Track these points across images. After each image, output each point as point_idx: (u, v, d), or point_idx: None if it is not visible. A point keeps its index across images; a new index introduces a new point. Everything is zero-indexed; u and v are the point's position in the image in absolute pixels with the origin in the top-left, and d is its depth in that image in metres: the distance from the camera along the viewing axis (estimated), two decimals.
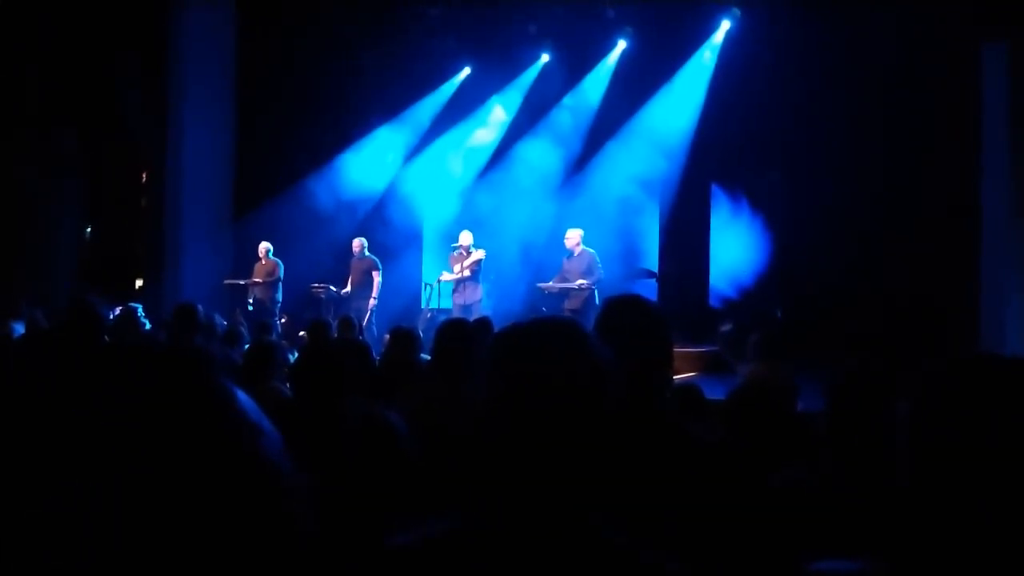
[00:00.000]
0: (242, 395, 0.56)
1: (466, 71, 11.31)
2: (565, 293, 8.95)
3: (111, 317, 4.94)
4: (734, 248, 9.84)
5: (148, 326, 6.07)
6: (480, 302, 9.29)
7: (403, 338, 4.80)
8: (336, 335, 5.68)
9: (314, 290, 9.90)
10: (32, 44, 9.59)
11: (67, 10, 9.56)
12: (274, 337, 6.42)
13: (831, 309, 8.74)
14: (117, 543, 0.49)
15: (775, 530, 1.77)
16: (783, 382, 4.40)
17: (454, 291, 9.44)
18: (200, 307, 4.88)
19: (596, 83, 10.85)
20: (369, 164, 11.10)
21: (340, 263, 10.03)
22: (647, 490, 1.69)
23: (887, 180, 8.94)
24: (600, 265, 8.86)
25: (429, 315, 9.87)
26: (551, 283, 9.15)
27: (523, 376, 1.07)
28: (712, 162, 9.87)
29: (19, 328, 6.58)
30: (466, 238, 9.43)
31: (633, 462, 1.77)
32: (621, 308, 1.81)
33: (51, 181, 9.90)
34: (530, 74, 11.13)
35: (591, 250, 8.94)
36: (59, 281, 9.83)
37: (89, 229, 10.73)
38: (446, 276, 9.45)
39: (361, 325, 7.41)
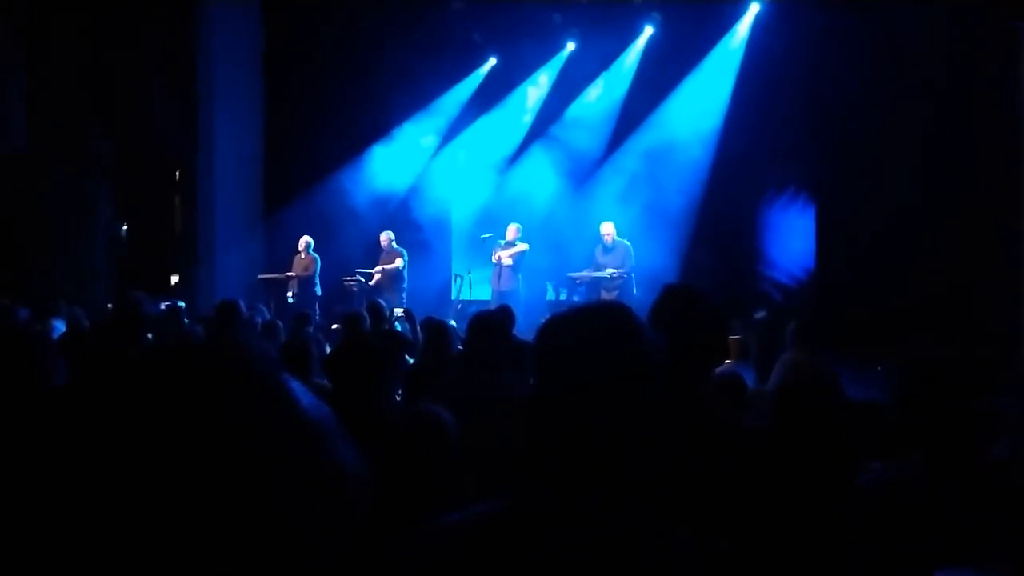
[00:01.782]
0: (299, 388, 0.55)
1: (492, 62, 11.28)
2: (598, 283, 9.00)
3: (155, 314, 5.01)
4: (771, 236, 9.70)
5: (186, 322, 6.17)
6: (517, 292, 9.35)
7: (436, 330, 4.81)
8: (368, 325, 5.70)
9: (346, 283, 9.98)
10: (65, 47, 9.75)
11: (97, 12, 9.70)
12: (311, 330, 6.47)
13: (871, 299, 8.58)
14: (177, 538, 0.48)
15: (861, 527, 1.74)
16: (822, 369, 4.33)
17: (493, 278, 9.51)
18: (242, 302, 4.93)
19: (623, 71, 10.75)
20: (397, 157, 11.15)
21: (370, 257, 10.08)
22: (691, 478, 1.67)
23: (926, 166, 8.74)
24: (633, 256, 8.94)
25: (459, 306, 9.91)
26: (583, 273, 9.20)
27: (571, 362, 1.07)
28: (744, 150, 9.72)
29: (59, 325, 6.71)
30: (512, 231, 9.50)
31: (675, 449, 1.75)
32: (675, 297, 1.79)
33: (86, 182, 10.07)
34: (556, 64, 11.06)
35: (626, 242, 9.04)
36: (95, 280, 10.01)
37: (124, 228, 10.90)
38: (499, 255, 9.43)
39: (391, 316, 7.45)
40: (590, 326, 1.11)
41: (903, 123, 8.81)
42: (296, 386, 0.54)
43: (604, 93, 10.84)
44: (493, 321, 3.31)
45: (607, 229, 9.07)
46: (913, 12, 8.41)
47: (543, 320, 1.27)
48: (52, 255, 9.42)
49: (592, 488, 1.03)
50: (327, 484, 0.52)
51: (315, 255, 9.89)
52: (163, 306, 5.24)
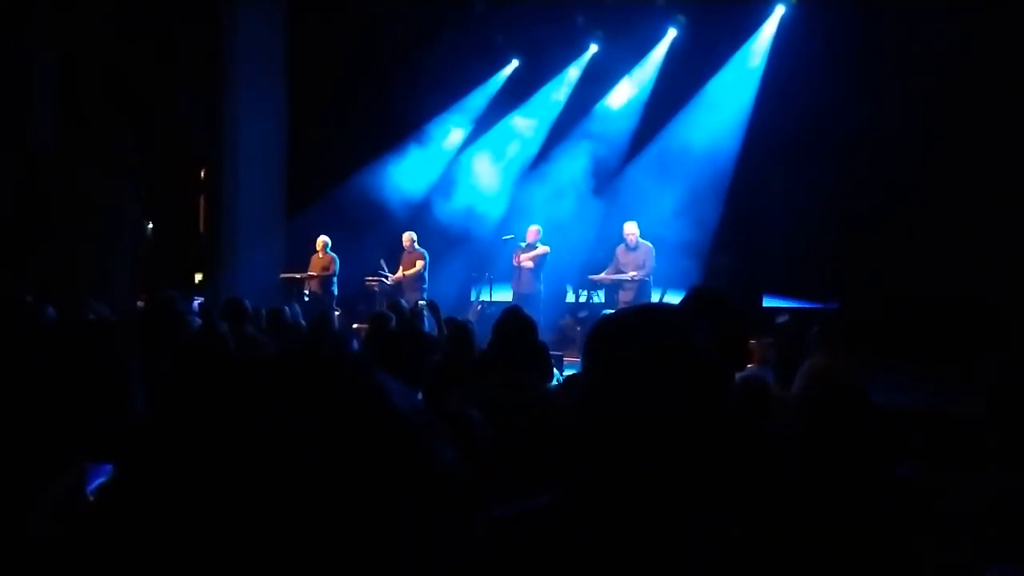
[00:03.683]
0: (397, 388, 0.55)
1: (514, 64, 11.29)
2: (618, 284, 8.97)
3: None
4: (795, 240, 9.61)
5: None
6: (538, 294, 9.36)
7: (459, 330, 4.82)
8: (394, 325, 5.72)
9: (367, 283, 10.02)
10: (91, 48, 9.88)
11: (124, 13, 9.82)
12: (334, 329, 6.51)
13: (890, 309, 8.49)
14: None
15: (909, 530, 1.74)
16: (849, 374, 4.29)
17: (513, 280, 9.52)
18: (247, 302, 4.98)
19: (646, 73, 10.71)
20: (419, 158, 11.19)
21: (391, 257, 10.13)
22: (721, 481, 1.67)
23: (949, 174, 8.63)
24: (654, 258, 8.90)
25: (479, 307, 9.93)
26: (603, 274, 9.18)
27: (622, 363, 1.09)
28: (768, 152, 9.65)
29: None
30: (533, 233, 9.53)
31: (711, 450, 1.74)
32: (700, 299, 1.79)
33: (112, 181, 10.20)
34: (579, 65, 11.05)
35: (648, 243, 8.99)
36: (121, 278, 10.13)
37: (150, 227, 11.03)
38: (520, 257, 9.45)
39: (418, 309, 7.49)
40: (646, 325, 1.14)
41: (931, 126, 8.71)
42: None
43: (627, 95, 10.81)
44: (520, 321, 3.30)
45: (631, 229, 9.03)
46: (941, 16, 8.31)
47: (596, 319, 1.31)
48: (78, 254, 9.55)
49: (647, 484, 1.04)
50: (432, 483, 0.52)
51: (333, 254, 9.95)
52: (196, 304, 5.30)
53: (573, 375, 5.04)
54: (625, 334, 1.11)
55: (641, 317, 1.16)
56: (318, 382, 0.53)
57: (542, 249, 9.49)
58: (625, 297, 8.78)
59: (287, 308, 5.56)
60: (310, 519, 0.48)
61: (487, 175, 11.29)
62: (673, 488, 1.04)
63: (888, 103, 8.93)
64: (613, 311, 1.18)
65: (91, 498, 1.24)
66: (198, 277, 11.17)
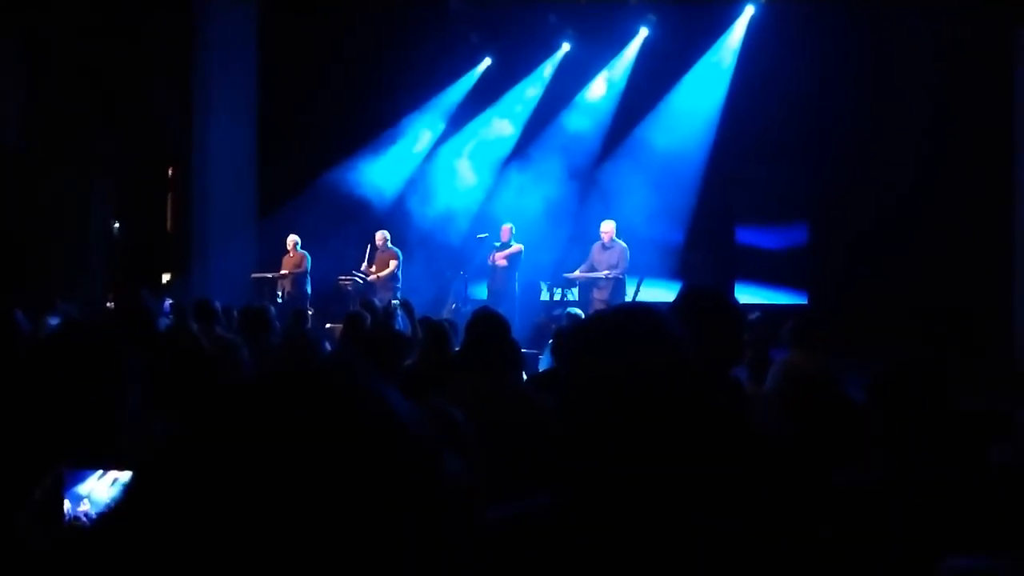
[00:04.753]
0: (399, 401, 0.54)
1: (487, 62, 11.28)
2: (593, 282, 9.00)
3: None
4: (760, 241, 9.74)
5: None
6: (512, 292, 9.37)
7: (435, 330, 4.80)
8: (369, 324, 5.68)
9: (341, 282, 9.95)
10: (62, 44, 9.69)
11: (95, 10, 9.65)
12: (307, 327, 6.45)
13: (859, 305, 8.63)
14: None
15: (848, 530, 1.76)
16: (822, 371, 4.36)
17: (488, 279, 9.55)
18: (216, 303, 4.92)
19: (618, 73, 10.77)
20: (392, 157, 11.13)
21: (363, 257, 10.06)
22: (716, 479, 1.69)
23: (916, 172, 8.79)
24: (628, 259, 8.93)
25: (454, 306, 9.90)
26: (578, 272, 9.20)
27: (605, 363, 1.11)
28: (737, 152, 9.77)
29: (54, 323, 6.67)
30: (505, 232, 9.54)
31: (700, 450, 1.77)
32: (696, 299, 1.81)
33: (82, 180, 10.02)
34: (551, 64, 11.07)
35: (623, 243, 9.02)
36: (90, 277, 9.95)
37: (117, 225, 10.84)
38: (495, 256, 9.45)
39: (391, 309, 7.45)
40: (626, 326, 1.16)
41: (898, 125, 8.86)
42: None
43: (600, 93, 10.85)
44: (495, 321, 3.30)
45: (607, 227, 9.04)
46: (910, 15, 8.45)
47: (574, 320, 1.33)
48: (47, 253, 9.37)
49: (638, 484, 1.05)
50: (442, 495, 0.52)
51: (305, 252, 9.87)
52: (166, 304, 5.22)
53: (543, 372, 5.05)
54: (609, 336, 1.13)
55: (623, 318, 1.18)
56: (325, 400, 0.52)
57: (516, 247, 9.53)
58: (600, 295, 8.80)
59: (216, 304, 5.49)
60: (323, 539, 0.48)
61: (461, 173, 11.26)
62: (665, 487, 1.05)
63: (858, 99, 9.08)
64: (595, 312, 1.22)
65: (69, 504, 1.23)
66: (166, 277, 11.00)
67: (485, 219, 10.40)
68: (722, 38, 10.19)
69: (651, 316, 1.15)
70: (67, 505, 1.24)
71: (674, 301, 1.92)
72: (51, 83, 9.70)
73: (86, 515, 1.24)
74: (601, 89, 10.86)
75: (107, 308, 8.27)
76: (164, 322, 5.28)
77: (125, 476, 1.25)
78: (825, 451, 2.52)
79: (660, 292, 9.68)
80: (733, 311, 1.88)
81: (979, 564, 1.08)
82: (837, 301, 8.86)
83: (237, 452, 0.49)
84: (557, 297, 9.89)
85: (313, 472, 0.49)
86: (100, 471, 1.25)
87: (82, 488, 1.26)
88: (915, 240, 8.72)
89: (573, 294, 9.55)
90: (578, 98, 10.89)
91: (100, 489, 1.25)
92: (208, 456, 0.50)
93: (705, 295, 1.90)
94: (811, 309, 8.88)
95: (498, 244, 9.57)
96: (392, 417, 0.53)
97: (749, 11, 9.99)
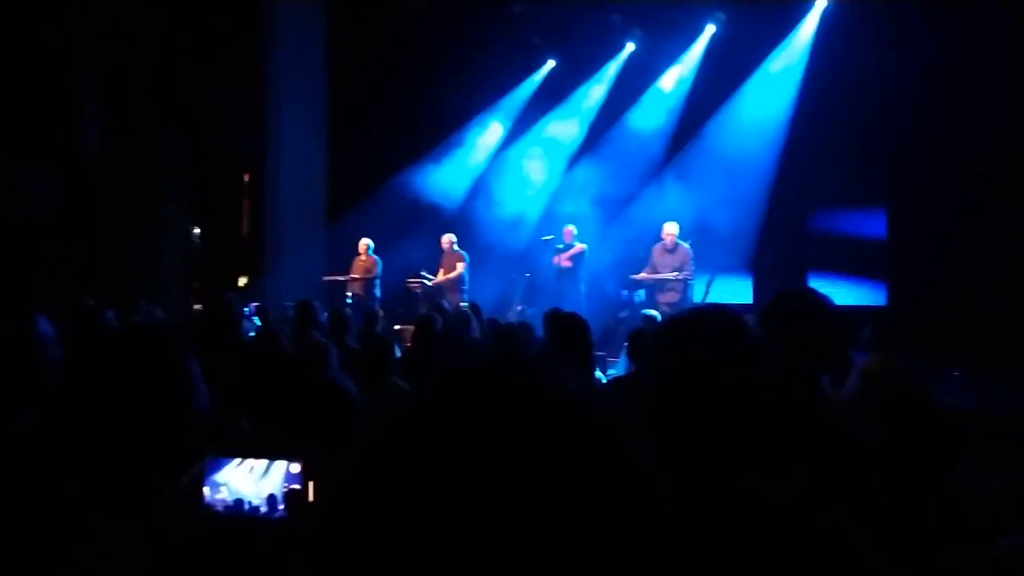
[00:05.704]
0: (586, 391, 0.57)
1: (551, 64, 11.30)
2: (658, 285, 8.90)
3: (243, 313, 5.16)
4: (840, 239, 9.47)
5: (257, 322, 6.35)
6: (578, 293, 9.37)
7: (507, 333, 4.85)
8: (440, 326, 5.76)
9: (409, 285, 10.10)
10: (138, 60, 10.12)
11: (169, 24, 10.04)
12: (379, 329, 6.58)
13: (941, 300, 8.32)
14: None
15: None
16: (907, 374, 4.23)
17: (553, 280, 9.58)
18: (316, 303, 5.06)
19: (684, 71, 10.64)
20: (457, 160, 11.25)
21: (432, 259, 10.20)
22: (801, 479, 1.67)
23: (998, 166, 8.42)
24: (693, 261, 8.82)
25: (519, 308, 9.95)
26: (643, 274, 9.12)
27: (685, 359, 1.20)
28: (811, 151, 9.52)
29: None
30: (568, 233, 9.58)
31: (788, 447, 1.76)
32: (787, 302, 1.79)
33: (160, 188, 10.43)
34: (616, 64, 11.01)
35: (686, 245, 8.90)
36: (170, 282, 10.36)
37: (197, 231, 11.25)
38: (559, 258, 9.52)
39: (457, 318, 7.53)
40: (706, 324, 1.25)
41: (974, 121, 8.52)
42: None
43: (665, 94, 10.74)
44: (575, 322, 3.32)
45: (670, 229, 8.96)
46: (983, 9, 8.12)
47: (651, 320, 1.39)
48: (130, 259, 9.78)
49: (710, 470, 1.09)
50: (631, 483, 0.54)
51: (376, 257, 10.05)
52: (251, 307, 5.40)
53: (622, 376, 5.03)
54: (687, 335, 1.22)
55: (699, 318, 1.28)
56: (537, 389, 0.55)
57: (579, 247, 9.53)
58: (667, 298, 8.70)
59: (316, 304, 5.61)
60: (536, 517, 0.50)
61: (525, 175, 11.31)
62: (739, 484, 1.08)
63: (932, 99, 8.76)
64: (674, 314, 1.34)
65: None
66: (242, 281, 11.36)
67: (550, 221, 10.42)
68: (793, 31, 9.96)
69: (726, 317, 1.21)
70: (206, 492, 1.32)
71: (766, 303, 1.90)
72: (128, 97, 10.13)
73: (223, 503, 1.31)
74: (668, 88, 10.75)
75: (193, 311, 8.60)
76: (247, 325, 5.45)
77: (261, 464, 1.33)
78: (914, 458, 2.45)
79: (731, 291, 9.54)
80: (826, 316, 1.85)
81: None
82: (917, 295, 8.56)
83: (460, 434, 0.53)
84: (624, 299, 9.84)
85: (528, 454, 0.51)
86: (238, 460, 1.32)
87: (220, 476, 1.33)
88: (996, 239, 8.36)
89: (640, 296, 9.48)
90: (644, 97, 10.80)
91: (237, 478, 1.32)
92: (433, 437, 0.53)
93: (797, 298, 1.88)
94: (893, 310, 8.60)
95: (561, 246, 9.58)
96: (592, 404, 0.55)
97: (821, 4, 9.75)
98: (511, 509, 0.50)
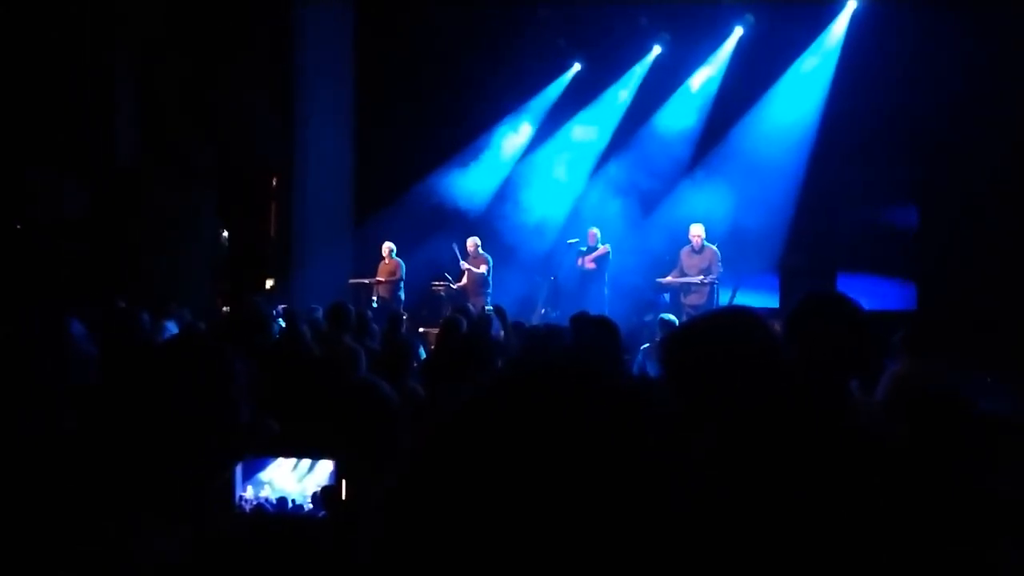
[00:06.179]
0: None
1: (577, 67, 11.30)
2: (685, 288, 8.85)
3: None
4: (870, 241, 9.34)
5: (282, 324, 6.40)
6: (602, 295, 9.35)
7: (533, 336, 4.85)
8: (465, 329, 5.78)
9: (433, 288, 10.14)
10: (170, 67, 10.28)
11: (200, 32, 10.20)
12: (403, 332, 6.62)
13: (971, 300, 8.17)
14: None
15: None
16: (938, 379, 4.17)
17: (577, 283, 9.57)
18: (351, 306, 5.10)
19: (712, 73, 10.58)
20: (483, 164, 11.28)
21: (456, 262, 10.23)
22: (824, 484, 1.67)
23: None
24: (720, 262, 8.75)
25: (543, 311, 9.94)
26: (670, 277, 9.07)
27: (694, 359, 1.25)
28: (841, 152, 9.41)
29: (171, 327, 7.07)
30: (592, 235, 9.59)
31: (813, 452, 1.75)
32: (817, 306, 1.78)
33: (191, 192, 10.58)
34: (642, 67, 10.98)
35: (714, 246, 8.84)
36: (199, 283, 10.49)
37: (225, 233, 11.39)
38: (583, 260, 9.54)
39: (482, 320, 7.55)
40: (720, 324, 1.30)
41: (1007, 122, 8.37)
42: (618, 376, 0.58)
43: (692, 96, 10.69)
44: (605, 325, 3.32)
45: (697, 231, 8.91)
46: (1014, 9, 7.98)
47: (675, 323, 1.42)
48: (161, 261, 9.93)
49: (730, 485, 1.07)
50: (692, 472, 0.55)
51: (399, 260, 10.10)
52: (279, 309, 5.46)
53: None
54: (708, 336, 1.25)
55: (719, 319, 1.32)
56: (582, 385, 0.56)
57: (603, 249, 9.52)
58: (692, 300, 8.66)
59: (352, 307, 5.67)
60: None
61: (551, 178, 11.31)
62: (757, 486, 1.10)
63: (964, 100, 8.62)
64: (696, 316, 1.38)
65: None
66: (269, 283, 11.48)
67: (575, 224, 10.41)
68: (823, 33, 9.87)
69: (744, 318, 1.22)
70: (249, 491, 1.34)
71: (795, 307, 1.89)
72: (161, 102, 10.30)
73: (267, 500, 1.33)
74: (695, 90, 10.69)
75: (222, 313, 8.70)
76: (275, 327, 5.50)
77: (305, 463, 1.35)
78: (949, 463, 2.42)
79: (756, 297, 9.45)
80: (855, 320, 1.82)
81: None
82: (947, 296, 8.43)
83: (525, 432, 0.53)
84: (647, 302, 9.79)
85: (591, 447, 0.52)
86: (280, 459, 1.34)
87: (264, 475, 1.35)
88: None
89: (665, 299, 9.43)
90: (671, 100, 10.75)
91: (280, 476, 1.34)
92: (500, 435, 0.54)
93: (826, 302, 1.86)
94: (923, 315, 8.47)
95: (585, 248, 9.56)
96: (648, 396, 0.56)
97: (851, 5, 9.65)
98: (580, 501, 0.51)
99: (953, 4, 8.44)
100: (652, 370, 5.47)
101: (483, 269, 9.85)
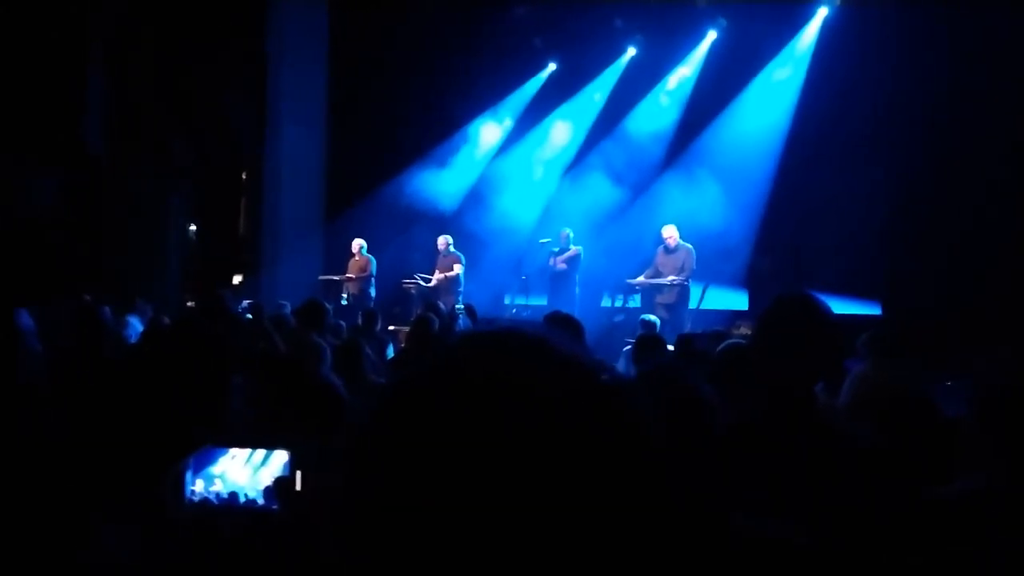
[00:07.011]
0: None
1: (552, 67, 11.31)
2: (657, 288, 8.89)
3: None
4: (838, 244, 9.45)
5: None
6: (572, 296, 9.35)
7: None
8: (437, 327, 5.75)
9: (404, 285, 10.08)
10: (140, 54, 10.11)
11: (172, 21, 10.04)
12: (378, 329, 6.57)
13: (943, 309, 8.31)
14: None
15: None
16: (901, 382, 4.22)
17: (548, 283, 9.57)
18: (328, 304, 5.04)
19: (685, 76, 10.65)
20: (456, 162, 11.24)
21: (428, 260, 10.18)
22: (795, 482, 1.67)
23: (1002, 172, 8.43)
24: (695, 260, 8.80)
25: (514, 311, 9.94)
26: (641, 278, 9.11)
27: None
28: (811, 156, 9.52)
29: (134, 322, 6.95)
30: (564, 237, 9.58)
31: (782, 455, 1.76)
32: (785, 308, 1.78)
33: (159, 184, 10.42)
34: (617, 68, 11.02)
35: (689, 245, 8.88)
36: (166, 278, 10.33)
37: (193, 228, 11.23)
38: (554, 260, 9.55)
39: (454, 313, 7.53)
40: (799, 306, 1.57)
41: (976, 127, 8.53)
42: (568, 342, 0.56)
43: (666, 98, 10.76)
44: (570, 324, 3.31)
45: (669, 232, 8.94)
46: (986, 15, 8.14)
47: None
48: (127, 254, 9.75)
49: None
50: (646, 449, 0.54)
51: (370, 256, 10.02)
52: (245, 303, 5.38)
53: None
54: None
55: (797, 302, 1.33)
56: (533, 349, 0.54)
57: (574, 250, 9.50)
58: (663, 300, 8.70)
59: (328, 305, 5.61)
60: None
61: (524, 178, 11.30)
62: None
63: (934, 105, 8.77)
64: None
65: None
66: (237, 279, 11.33)
67: (547, 224, 10.41)
68: (794, 39, 9.97)
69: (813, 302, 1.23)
70: (199, 484, 1.30)
71: (766, 308, 1.89)
72: (131, 91, 10.12)
73: (217, 495, 1.30)
74: (668, 93, 10.76)
75: (186, 308, 8.57)
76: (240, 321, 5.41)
77: (259, 456, 1.31)
78: (913, 464, 2.45)
79: (725, 298, 9.53)
80: (824, 323, 1.82)
81: None
82: (912, 304, 8.56)
83: (470, 401, 0.51)
84: (619, 304, 9.82)
85: (539, 416, 0.50)
86: (233, 450, 1.30)
87: (215, 468, 1.31)
88: (999, 245, 8.37)
89: (636, 301, 9.47)
90: (644, 102, 10.80)
91: (234, 469, 1.30)
92: (443, 405, 0.51)
93: (795, 305, 1.85)
94: (889, 319, 8.60)
95: (556, 249, 9.56)
96: (597, 367, 0.55)
97: (823, 12, 9.77)
98: (528, 473, 0.49)
99: (924, 11, 8.58)
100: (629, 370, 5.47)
101: (457, 270, 9.80)
